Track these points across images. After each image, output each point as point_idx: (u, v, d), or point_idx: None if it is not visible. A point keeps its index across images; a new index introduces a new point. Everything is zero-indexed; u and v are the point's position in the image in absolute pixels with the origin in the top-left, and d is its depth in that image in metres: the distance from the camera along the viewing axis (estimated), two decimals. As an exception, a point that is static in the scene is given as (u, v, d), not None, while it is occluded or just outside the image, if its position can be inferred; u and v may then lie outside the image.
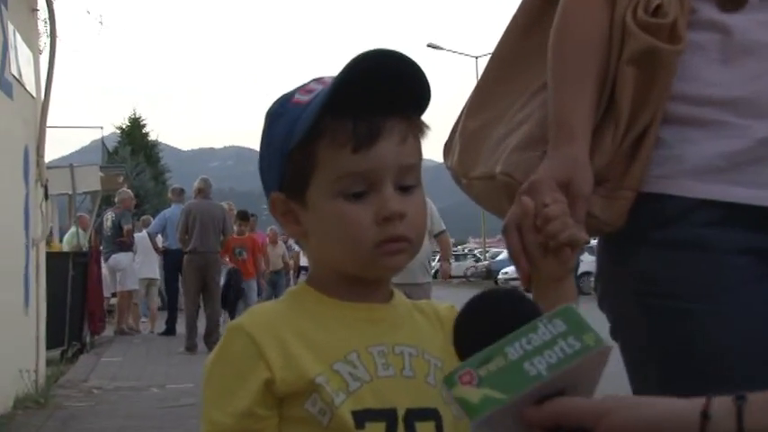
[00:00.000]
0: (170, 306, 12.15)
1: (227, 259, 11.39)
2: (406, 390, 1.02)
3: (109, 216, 12.28)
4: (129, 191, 13.09)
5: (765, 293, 1.24)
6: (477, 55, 33.92)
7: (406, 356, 1.04)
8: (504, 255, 29.67)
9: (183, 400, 6.45)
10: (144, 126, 35.92)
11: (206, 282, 10.04)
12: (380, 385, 1.01)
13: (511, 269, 25.52)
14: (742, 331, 1.24)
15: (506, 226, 1.16)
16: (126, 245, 12.16)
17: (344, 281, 1.06)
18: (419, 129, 1.06)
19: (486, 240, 39.54)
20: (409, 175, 1.04)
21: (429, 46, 34.34)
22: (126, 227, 12.01)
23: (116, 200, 12.73)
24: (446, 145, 1.52)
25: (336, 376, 1.00)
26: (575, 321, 0.77)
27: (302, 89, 1.08)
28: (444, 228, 6.49)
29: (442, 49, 34.79)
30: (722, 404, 0.69)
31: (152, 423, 5.73)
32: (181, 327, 11.35)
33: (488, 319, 0.82)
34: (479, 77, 1.52)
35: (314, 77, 1.10)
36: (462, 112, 1.51)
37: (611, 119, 1.31)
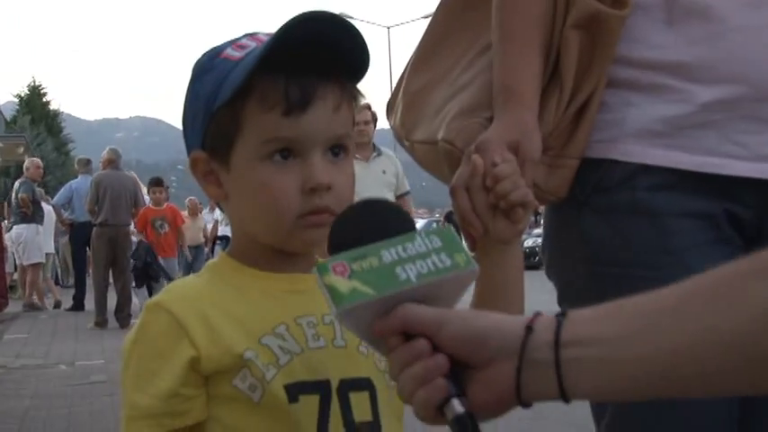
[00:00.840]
0: (78, 280, 11.83)
1: (146, 233, 10.10)
2: (338, 360, 0.99)
3: (17, 186, 11.78)
4: (36, 159, 12.57)
5: (715, 257, 1.24)
6: (389, 25, 33.90)
7: (336, 326, 1.00)
8: (417, 226, 29.91)
9: (93, 378, 6.29)
10: (45, 95, 34.69)
11: (116, 255, 9.79)
12: (312, 357, 0.98)
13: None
14: None
15: (454, 187, 1.12)
16: (27, 216, 11.65)
17: (266, 249, 1.02)
18: (353, 97, 1.02)
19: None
20: (340, 145, 1.00)
21: (341, 15, 34.10)
22: (21, 195, 11.47)
23: (24, 168, 12.18)
24: (389, 103, 1.48)
25: (266, 350, 0.96)
26: (450, 241, 0.81)
27: (234, 44, 1.02)
28: (408, 189, 6.43)
29: (353, 18, 34.57)
30: (545, 319, 0.74)
31: (61, 402, 5.53)
32: (89, 302, 11.09)
33: (366, 221, 0.85)
34: (423, 33, 1.47)
35: (247, 33, 1.04)
36: (405, 69, 1.47)
37: (556, 86, 1.28)
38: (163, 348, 0.95)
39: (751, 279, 0.66)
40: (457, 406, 0.73)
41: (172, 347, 0.95)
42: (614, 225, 1.28)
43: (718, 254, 1.23)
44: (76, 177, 11.72)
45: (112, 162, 10.02)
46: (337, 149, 1.00)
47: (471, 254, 0.84)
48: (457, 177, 1.12)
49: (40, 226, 11.92)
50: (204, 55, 1.04)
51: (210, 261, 1.08)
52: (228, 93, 0.96)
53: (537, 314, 0.75)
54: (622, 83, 1.28)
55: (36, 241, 11.98)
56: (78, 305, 11.55)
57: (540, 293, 1.59)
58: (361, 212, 0.87)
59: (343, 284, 0.78)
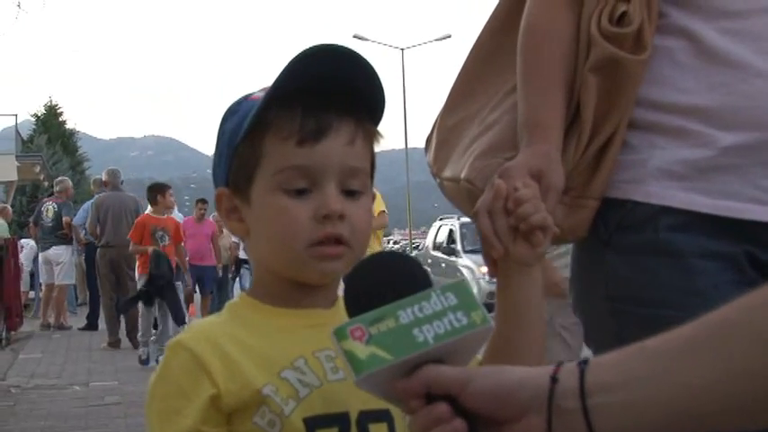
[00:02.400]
0: (92, 300, 11.82)
1: (141, 244, 8.42)
2: (357, 392, 0.96)
3: (50, 207, 11.80)
4: (68, 179, 12.63)
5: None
6: (403, 47, 34.02)
7: None
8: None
9: (107, 399, 6.29)
10: (61, 114, 34.95)
11: (119, 276, 9.70)
12: (331, 389, 0.98)
13: (436, 261, 25.65)
14: None
15: (477, 211, 1.13)
16: (68, 237, 11.74)
17: (284, 285, 1.03)
18: (371, 134, 1.03)
19: (412, 232, 39.81)
20: (355, 179, 1.01)
21: (355, 37, 34.27)
22: (66, 219, 11.58)
23: (56, 189, 12.21)
24: (428, 139, 1.52)
25: (285, 384, 0.97)
26: (466, 297, 0.81)
27: (262, 89, 1.05)
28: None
29: (367, 40, 34.74)
30: (568, 368, 0.74)
31: (75, 423, 5.55)
32: (103, 322, 11.11)
33: (380, 278, 0.84)
34: (458, 73, 1.50)
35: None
36: (442, 107, 1.51)
37: (576, 126, 1.30)
38: (185, 386, 0.96)
39: (761, 311, 0.67)
40: None
41: (193, 386, 0.96)
42: (638, 265, 1.28)
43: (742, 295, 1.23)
44: (92, 197, 11.77)
45: (109, 183, 10.03)
46: (352, 190, 1.01)
47: (488, 313, 0.83)
48: (480, 202, 1.14)
49: (70, 247, 11.99)
50: (234, 101, 1.08)
51: (230, 301, 1.09)
52: (247, 125, 1.00)
53: (559, 364, 0.76)
54: (646, 125, 1.29)
55: (72, 262, 12.05)
56: (92, 325, 11.56)
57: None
58: (376, 266, 0.87)
59: (361, 350, 0.78)
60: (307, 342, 1.00)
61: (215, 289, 12.17)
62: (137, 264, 8.57)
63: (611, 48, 1.25)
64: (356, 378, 0.78)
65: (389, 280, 0.84)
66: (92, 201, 11.49)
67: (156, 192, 8.79)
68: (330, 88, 0.97)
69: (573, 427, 0.72)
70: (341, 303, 1.06)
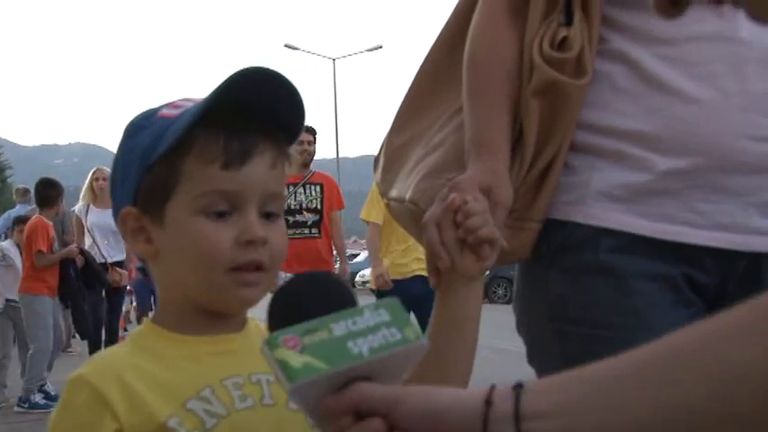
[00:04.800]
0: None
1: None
2: (266, 419, 0.98)
3: None
4: None
5: (677, 319, 1.26)
6: (334, 57, 34.04)
7: (264, 384, 1.00)
8: (361, 257, 29.87)
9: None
10: (-18, 120, 33.90)
11: None
12: (239, 418, 0.96)
13: (368, 272, 25.64)
14: None
15: (425, 222, 1.14)
16: None
17: (193, 311, 1.00)
18: (287, 158, 1.03)
19: (344, 242, 39.69)
20: (273, 203, 1.01)
21: (286, 46, 34.15)
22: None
23: None
24: (375, 159, 1.54)
25: (190, 415, 0.94)
26: (398, 315, 0.81)
27: (170, 105, 1.03)
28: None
29: (298, 49, 34.64)
30: (502, 392, 0.73)
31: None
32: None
33: (310, 294, 0.84)
34: (406, 92, 1.51)
35: (183, 97, 1.05)
36: (390, 127, 1.51)
37: (519, 149, 1.32)
38: (87, 423, 0.93)
39: (710, 344, 0.66)
40: None
41: (95, 422, 0.92)
42: (579, 285, 1.30)
43: (680, 316, 1.26)
44: (14, 206, 11.44)
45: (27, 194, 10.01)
46: (270, 212, 1.00)
47: (417, 331, 0.83)
48: (428, 214, 1.14)
49: None
50: (138, 115, 1.04)
51: (134, 330, 1.06)
52: (168, 144, 0.96)
53: (493, 387, 0.75)
54: (587, 147, 1.31)
55: None
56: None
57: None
58: (305, 284, 0.86)
59: (295, 359, 0.76)
60: (214, 370, 0.98)
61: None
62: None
63: (551, 72, 1.27)
64: (290, 386, 0.76)
65: (319, 296, 0.83)
66: (11, 210, 11.18)
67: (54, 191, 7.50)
68: (253, 111, 0.96)
69: None
70: (250, 326, 1.06)
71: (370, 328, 0.79)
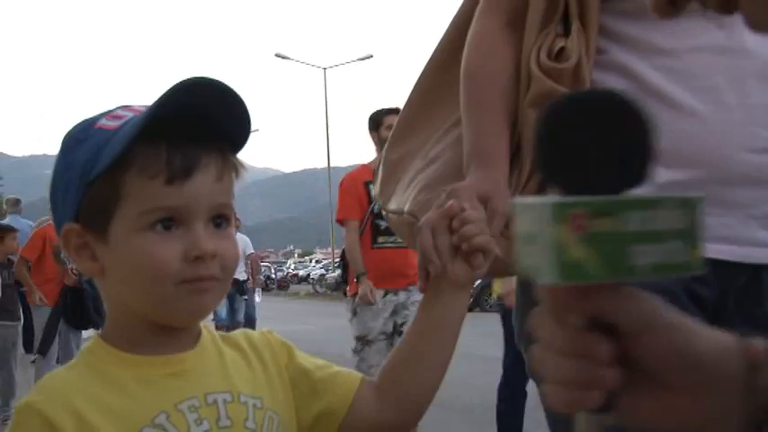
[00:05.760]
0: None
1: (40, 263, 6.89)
2: None
3: None
4: None
5: None
6: (325, 66, 34.11)
7: (220, 404, 0.97)
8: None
9: None
10: (-29, 130, 33.83)
11: None
12: None
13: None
14: None
15: (420, 227, 1.13)
16: None
17: (144, 327, 0.98)
18: (235, 167, 1.00)
19: (335, 251, 39.77)
20: (222, 213, 0.98)
21: (277, 56, 34.20)
22: None
23: None
24: (374, 172, 1.55)
25: None
26: (694, 223, 0.62)
27: (108, 115, 0.99)
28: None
29: (290, 59, 34.70)
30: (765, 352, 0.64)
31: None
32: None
33: (610, 139, 0.61)
34: (402, 107, 1.52)
35: (120, 105, 1.02)
36: (388, 141, 1.52)
37: (517, 161, 1.31)
38: None
39: None
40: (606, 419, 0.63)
41: None
42: None
43: None
44: (4, 216, 11.41)
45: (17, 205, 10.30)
46: (219, 220, 0.98)
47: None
48: (424, 220, 1.13)
49: None
50: (75, 126, 1.01)
51: (84, 347, 1.02)
52: (108, 161, 0.93)
53: (746, 341, 0.65)
54: None
55: None
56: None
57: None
58: (603, 118, 0.61)
59: (574, 249, 0.58)
60: (167, 393, 0.95)
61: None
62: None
63: (549, 82, 1.26)
64: (548, 280, 0.60)
65: (619, 152, 0.61)
66: (3, 221, 11.17)
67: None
68: (196, 122, 0.93)
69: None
70: (205, 339, 1.03)
71: (659, 234, 0.61)
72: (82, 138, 0.98)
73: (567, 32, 1.30)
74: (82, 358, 1.00)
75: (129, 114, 0.97)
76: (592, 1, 1.29)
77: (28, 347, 7.76)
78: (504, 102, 1.30)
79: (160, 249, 0.93)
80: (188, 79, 0.92)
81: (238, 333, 1.09)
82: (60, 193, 1.00)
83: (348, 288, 4.80)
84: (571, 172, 0.60)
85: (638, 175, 0.61)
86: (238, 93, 0.94)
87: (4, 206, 11.89)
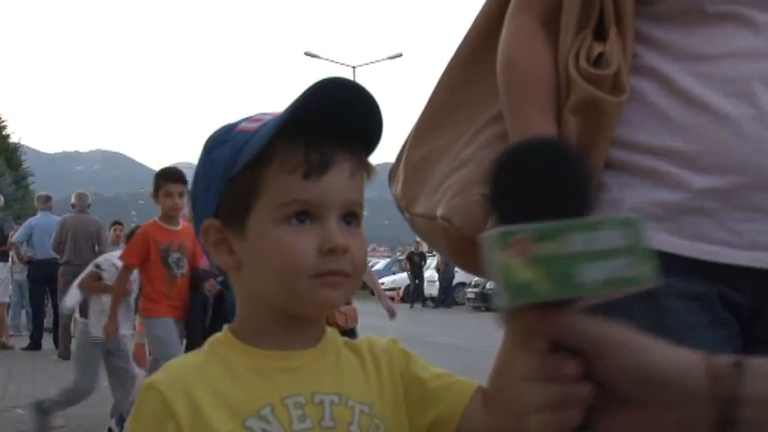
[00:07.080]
0: (35, 319, 11.52)
1: (146, 273, 5.16)
2: None
3: None
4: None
5: (712, 340, 1.23)
6: (354, 65, 34.11)
7: (326, 405, 0.99)
8: (378, 266, 29.85)
9: (51, 422, 6.10)
10: (5, 128, 34.28)
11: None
12: None
13: (387, 279, 25.70)
14: None
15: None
16: (6, 254, 11.46)
17: (272, 321, 1.01)
18: (366, 169, 1.03)
19: (362, 249, 39.63)
20: (354, 211, 1.01)
21: (306, 54, 34.28)
22: (9, 233, 11.34)
23: None
24: (391, 171, 1.51)
25: None
26: (636, 240, 0.67)
27: (248, 119, 1.05)
28: None
29: (319, 57, 34.76)
30: (723, 366, 0.67)
31: (18, 448, 5.36)
32: (47, 342, 10.93)
33: (549, 176, 0.68)
34: (424, 106, 1.49)
35: (261, 111, 1.07)
36: (407, 139, 1.49)
37: None
38: (153, 428, 0.96)
39: None
40: None
41: (160, 429, 0.95)
42: (611, 304, 1.27)
43: (715, 336, 1.24)
44: (35, 213, 11.54)
45: (76, 206, 10.47)
46: (349, 218, 1.01)
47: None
48: None
49: (7, 264, 11.70)
50: (217, 131, 1.06)
51: (213, 336, 1.06)
52: (250, 155, 0.98)
53: (710, 357, 0.68)
54: (621, 165, 1.29)
55: (7, 279, 11.75)
56: (35, 344, 11.27)
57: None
58: (544, 161, 0.69)
59: (520, 271, 0.64)
60: (277, 387, 0.98)
61: None
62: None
63: (591, 89, 1.25)
64: (504, 301, 0.65)
65: (558, 187, 0.68)
66: (32, 218, 11.33)
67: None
68: (332, 122, 0.97)
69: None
70: (327, 339, 1.05)
71: (603, 253, 0.65)
72: (223, 139, 1.03)
73: (600, 36, 1.29)
74: (209, 346, 1.04)
75: (268, 117, 1.02)
76: (628, 6, 1.28)
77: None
78: (551, 102, 1.29)
79: (297, 241, 0.97)
80: (325, 79, 0.96)
81: (364, 340, 1.10)
82: (201, 191, 1.04)
83: None
84: (517, 205, 0.67)
85: (579, 206, 0.67)
86: (373, 95, 0.98)
87: (36, 202, 12.02)
